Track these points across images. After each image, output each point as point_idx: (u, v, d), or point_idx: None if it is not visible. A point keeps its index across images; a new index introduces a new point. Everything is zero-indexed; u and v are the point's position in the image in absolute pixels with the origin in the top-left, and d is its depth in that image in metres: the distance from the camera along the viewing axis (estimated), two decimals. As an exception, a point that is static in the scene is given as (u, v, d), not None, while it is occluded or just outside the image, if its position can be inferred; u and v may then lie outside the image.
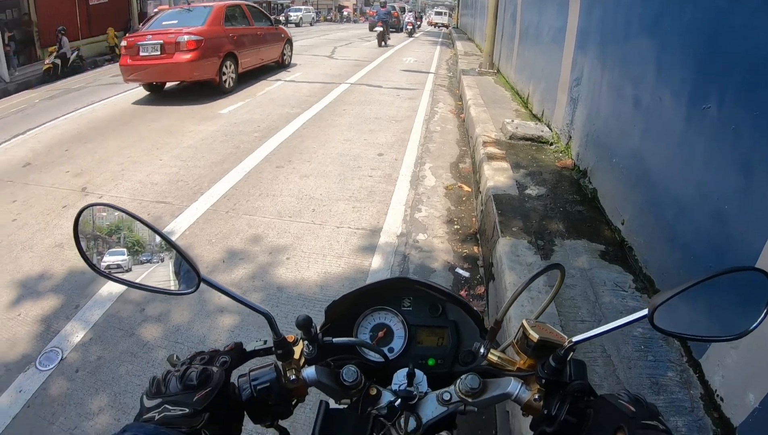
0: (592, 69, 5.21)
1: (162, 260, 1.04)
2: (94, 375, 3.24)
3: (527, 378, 0.95)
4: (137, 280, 1.02)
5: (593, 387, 0.90)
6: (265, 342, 1.03)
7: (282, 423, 1.03)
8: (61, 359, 3.39)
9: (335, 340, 1.02)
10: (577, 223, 4.23)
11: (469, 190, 5.79)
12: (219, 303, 3.78)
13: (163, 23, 11.36)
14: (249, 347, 1.04)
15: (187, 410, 0.86)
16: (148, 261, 1.06)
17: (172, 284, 1.03)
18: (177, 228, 4.90)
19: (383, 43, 22.27)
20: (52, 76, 16.68)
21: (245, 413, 0.97)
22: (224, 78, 11.19)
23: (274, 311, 3.52)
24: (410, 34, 30.50)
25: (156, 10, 26.21)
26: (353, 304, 1.17)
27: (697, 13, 3.20)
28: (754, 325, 0.85)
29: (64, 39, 17.87)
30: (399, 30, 32.29)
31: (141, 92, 11.65)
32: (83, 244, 1.01)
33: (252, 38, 12.51)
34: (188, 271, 0.99)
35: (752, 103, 2.48)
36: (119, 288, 4.07)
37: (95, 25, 22.09)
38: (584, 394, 0.88)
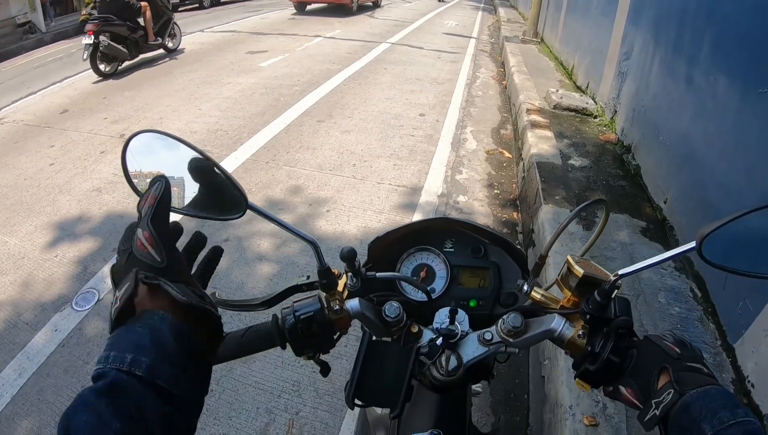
0: (644, 44, 5.06)
1: (209, 186, 1.02)
2: None
3: (571, 315, 0.93)
4: (186, 208, 0.98)
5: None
6: (308, 277, 1.01)
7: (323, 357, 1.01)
8: (98, 300, 3.43)
9: (378, 274, 0.98)
10: (619, 197, 4.16)
11: (510, 156, 5.70)
12: (258, 251, 3.78)
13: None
14: (292, 282, 1.02)
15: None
16: (195, 188, 1.04)
17: (218, 209, 1.00)
18: (216, 176, 4.89)
19: None
20: None
21: (287, 345, 0.95)
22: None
23: (312, 261, 3.51)
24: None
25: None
26: (396, 243, 1.15)
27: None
28: None
29: None
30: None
31: (183, 43, 11.61)
32: (131, 171, 1.00)
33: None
34: (235, 196, 0.96)
35: None
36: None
37: None
38: (628, 332, 0.87)
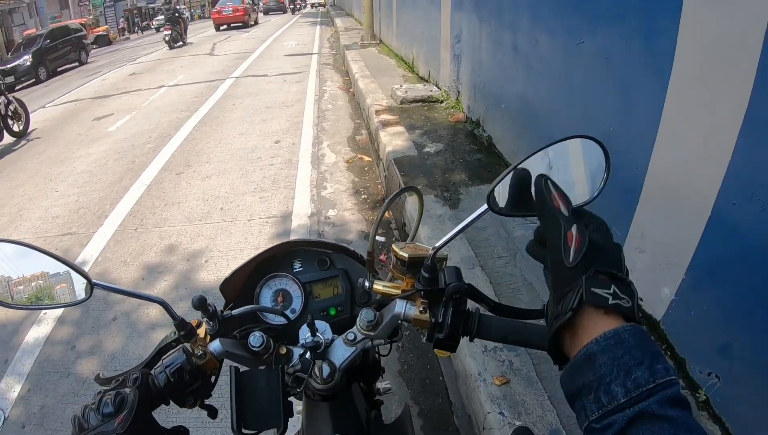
0: (470, 24, 5.41)
1: (64, 279, 1.09)
2: (41, 426, 3.16)
3: (411, 296, 1.01)
4: (41, 304, 1.04)
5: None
6: (174, 334, 1.06)
7: (208, 402, 1.07)
8: (5, 419, 3.28)
9: (234, 311, 1.06)
10: (478, 169, 4.44)
11: (370, 159, 5.92)
12: (148, 320, 3.77)
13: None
14: (162, 343, 1.08)
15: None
16: (42, 282, 1.10)
17: (68, 296, 1.04)
18: (89, 256, 4.79)
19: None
20: None
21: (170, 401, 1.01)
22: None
23: None
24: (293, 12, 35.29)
25: (25, 34, 25.08)
26: (247, 279, 1.22)
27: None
28: (597, 192, 0.91)
29: None
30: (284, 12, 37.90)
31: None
32: None
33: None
34: (80, 280, 1.01)
35: (621, 32, 2.70)
36: (43, 332, 3.95)
37: None
38: (462, 295, 0.91)
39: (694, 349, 2.26)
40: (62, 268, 1.02)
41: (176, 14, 23.52)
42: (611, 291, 0.63)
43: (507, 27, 4.43)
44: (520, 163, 0.86)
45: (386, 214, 4.62)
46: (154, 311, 3.88)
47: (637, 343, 0.58)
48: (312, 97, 9.05)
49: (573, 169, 0.94)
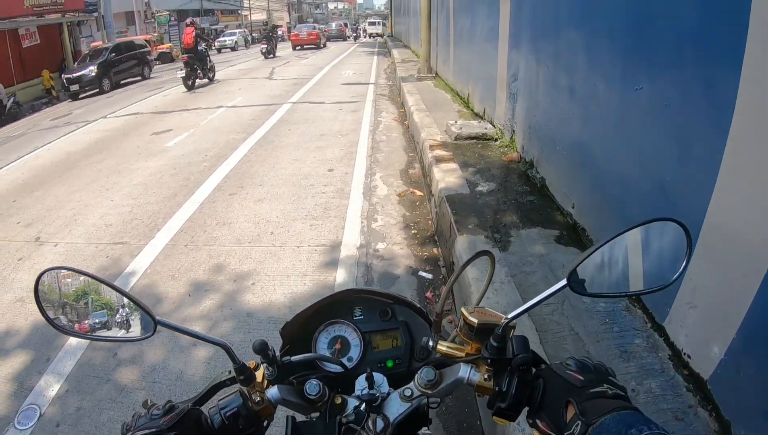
0: (527, 64, 5.40)
1: (127, 312, 1.09)
2: (75, 427, 3.19)
3: (476, 361, 1.00)
4: (101, 334, 1.06)
5: (546, 359, 0.97)
6: (230, 372, 1.06)
7: None
8: (40, 416, 3.33)
9: (293, 358, 1.06)
10: (530, 212, 4.38)
11: (422, 194, 5.91)
12: (190, 339, 3.77)
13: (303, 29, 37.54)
14: (216, 380, 1.08)
15: (154, 429, 0.89)
16: (106, 314, 1.10)
17: (133, 332, 1.06)
18: (138, 267, 4.86)
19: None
20: None
21: None
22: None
23: (247, 337, 3.56)
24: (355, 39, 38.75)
25: (92, 45, 26.02)
26: (307, 323, 1.21)
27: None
28: (676, 275, 0.92)
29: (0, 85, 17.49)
30: (344, 39, 40.89)
31: (84, 134, 11.51)
32: (48, 310, 1.04)
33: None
34: (144, 317, 1.03)
35: (681, 80, 2.65)
36: None
37: (29, 68, 21.81)
38: (529, 367, 0.91)
39: (741, 412, 2.16)
40: (125, 301, 1.04)
41: (271, 33, 29.70)
42: None
43: (564, 69, 4.40)
44: (604, 244, 0.90)
45: (435, 252, 4.60)
46: (197, 327, 3.84)
47: (630, 415, 0.72)
48: (367, 128, 9.10)
49: (654, 250, 0.95)
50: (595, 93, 3.77)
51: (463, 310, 1.02)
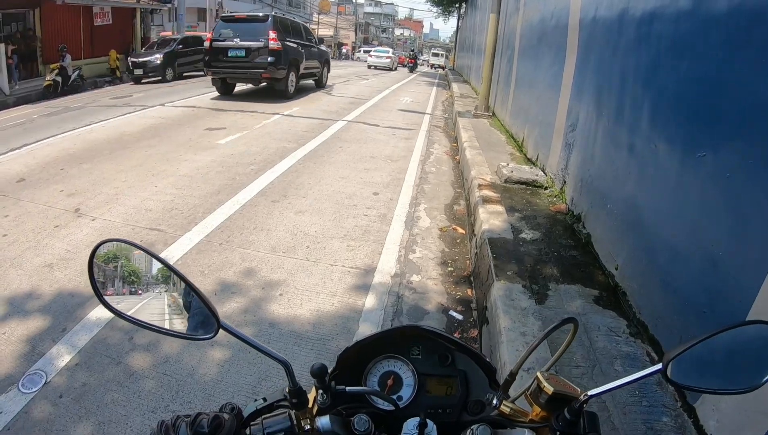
0: (587, 115, 5.29)
1: (177, 303, 1.04)
2: (78, 402, 3.18)
3: (539, 430, 0.95)
4: (153, 323, 1.01)
5: None
6: (264, 399, 1.03)
7: None
8: (45, 383, 3.34)
9: (348, 389, 1.01)
10: (571, 267, 4.25)
11: (464, 232, 5.80)
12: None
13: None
14: (258, 401, 1.03)
15: None
16: (164, 303, 1.06)
17: (188, 328, 1.02)
18: (169, 257, 4.83)
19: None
20: (52, 92, 16.95)
21: None
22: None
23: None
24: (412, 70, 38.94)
25: (161, 34, 26.77)
26: (363, 351, 1.16)
27: (694, 65, 3.29)
28: (766, 378, 0.87)
29: (68, 57, 18.15)
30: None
31: (140, 117, 11.72)
32: (97, 280, 1.02)
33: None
34: (207, 315, 0.98)
35: (746, 151, 2.54)
36: (108, 314, 4.00)
37: (98, 46, 22.50)
38: None
39: None
40: (189, 295, 1.00)
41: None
42: None
43: (625, 126, 4.27)
44: (703, 339, 0.85)
45: (468, 293, 4.49)
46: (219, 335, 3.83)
47: None
48: (417, 157, 9.02)
49: (747, 350, 0.92)
50: (654, 154, 3.65)
51: (539, 374, 0.99)
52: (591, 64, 5.47)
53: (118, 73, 22.38)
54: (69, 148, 9.23)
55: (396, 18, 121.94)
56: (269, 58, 14.33)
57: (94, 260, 1.02)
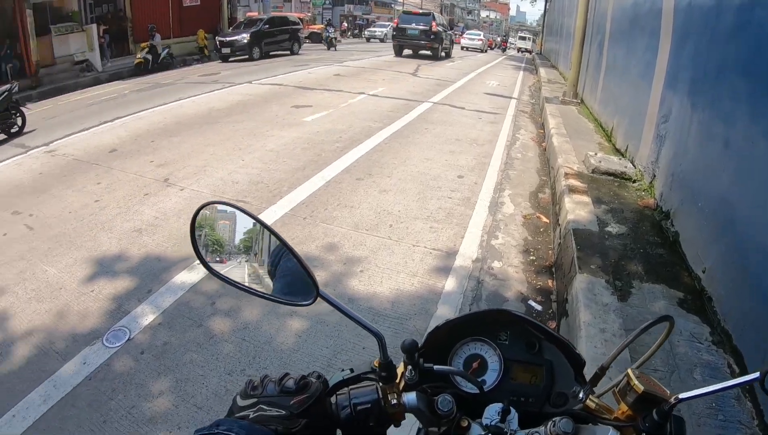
0: (681, 106, 5.03)
1: (279, 269, 1.05)
2: (159, 359, 3.33)
3: (624, 429, 0.92)
4: (252, 286, 1.04)
5: None
6: (351, 371, 1.02)
7: None
8: (128, 339, 3.52)
9: (436, 367, 0.99)
10: (657, 266, 4.07)
11: (548, 221, 5.67)
12: (289, 308, 3.76)
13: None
14: (345, 371, 1.03)
15: (283, 412, 0.86)
16: (259, 266, 1.08)
17: (285, 293, 1.03)
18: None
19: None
20: (142, 69, 17.77)
21: (339, 431, 0.96)
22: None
23: (342, 324, 3.58)
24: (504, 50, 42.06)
25: (247, 15, 27.42)
26: (450, 331, 1.14)
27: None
28: None
29: (158, 36, 18.95)
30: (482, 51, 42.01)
31: (228, 94, 12.01)
32: (198, 242, 1.05)
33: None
34: (306, 283, 0.99)
35: None
36: (191, 279, 4.19)
37: (186, 25, 23.27)
38: None
39: None
40: (291, 260, 1.00)
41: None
42: None
43: (722, 119, 4.01)
44: None
45: (549, 283, 4.39)
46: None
47: None
48: (503, 142, 8.86)
49: None
50: (752, 150, 3.41)
51: (630, 371, 0.94)
52: (686, 52, 5.19)
53: (206, 51, 23.11)
54: (159, 121, 9.58)
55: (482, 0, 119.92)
56: (431, 36, 24.63)
57: (196, 225, 1.05)
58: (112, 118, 9.97)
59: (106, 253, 4.68)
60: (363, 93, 12.98)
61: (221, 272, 1.05)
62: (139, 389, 3.08)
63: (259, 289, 1.03)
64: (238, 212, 1.06)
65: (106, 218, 5.34)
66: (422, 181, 6.50)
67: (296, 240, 4.78)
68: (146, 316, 3.76)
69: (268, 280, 1.05)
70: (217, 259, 1.07)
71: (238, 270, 1.07)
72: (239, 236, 1.08)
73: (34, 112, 11.78)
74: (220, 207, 1.09)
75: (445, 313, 3.77)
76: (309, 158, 7.26)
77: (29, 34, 15.88)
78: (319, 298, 0.99)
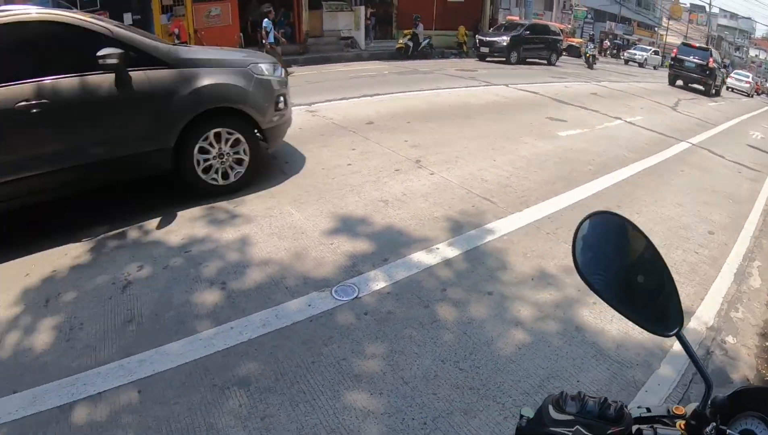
0: None
1: (646, 291, 1.14)
2: (379, 324, 3.54)
3: None
4: (620, 305, 1.11)
5: None
6: (648, 410, 1.05)
7: None
8: (356, 297, 3.79)
9: (728, 431, 0.98)
10: None
11: (799, 305, 5.20)
12: (517, 316, 3.86)
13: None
14: (642, 409, 1.06)
15: None
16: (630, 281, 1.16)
17: (646, 316, 1.11)
18: (497, 228, 5.15)
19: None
20: (402, 54, 18.89)
21: None
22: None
23: (563, 350, 3.57)
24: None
25: (508, 18, 27.78)
26: (739, 398, 1.11)
27: None
28: None
29: (420, 25, 20.03)
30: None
31: (484, 92, 12.38)
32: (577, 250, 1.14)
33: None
34: (670, 312, 1.07)
35: None
36: (430, 260, 4.41)
37: (448, 20, 24.44)
38: None
39: None
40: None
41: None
42: None
43: None
44: None
45: None
46: (526, 311, 3.96)
47: None
48: (762, 205, 8.12)
49: None
50: None
51: None
52: None
53: (464, 48, 23.88)
54: (416, 105, 10.04)
55: (752, 36, 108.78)
56: (707, 72, 24.76)
57: (579, 232, 1.15)
58: (372, 94, 10.61)
59: (351, 213, 5.05)
60: (620, 118, 12.58)
61: (590, 280, 1.13)
62: (354, 345, 3.31)
63: (618, 303, 1.10)
64: (617, 221, 1.18)
65: (356, 182, 5.75)
66: (670, 227, 6.22)
67: (536, 252, 4.85)
68: (377, 281, 4.02)
69: (630, 295, 1.12)
70: (594, 269, 1.15)
71: (606, 279, 1.14)
72: (617, 247, 1.19)
73: (298, 75, 12.90)
74: (602, 216, 1.20)
75: (666, 372, 3.62)
76: (559, 174, 7.23)
77: (303, 6, 17.73)
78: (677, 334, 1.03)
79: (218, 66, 5.27)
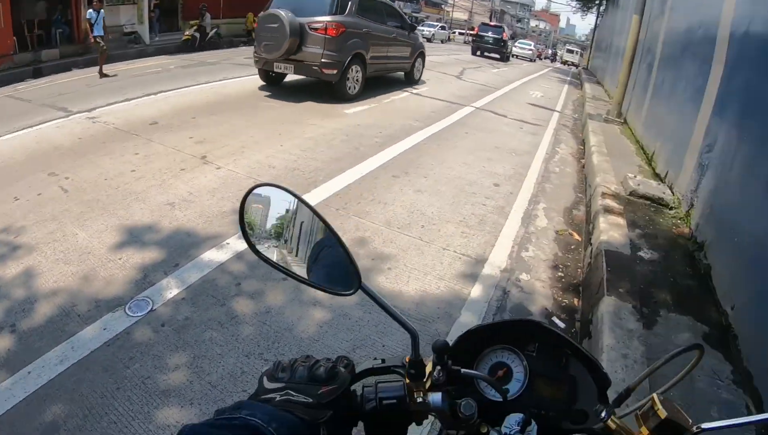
0: (728, 138, 4.92)
1: (323, 256, 1.06)
2: (178, 333, 3.36)
3: None
4: (293, 270, 1.05)
5: None
6: (383, 361, 1.03)
7: None
8: (151, 310, 3.56)
9: (463, 370, 0.99)
10: (685, 297, 4.01)
11: (579, 238, 5.61)
12: (315, 296, 3.81)
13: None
14: (377, 361, 1.04)
15: (311, 400, 0.87)
16: (303, 251, 1.08)
17: (329, 281, 1.04)
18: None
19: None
20: (189, 46, 18.12)
21: (360, 423, 0.97)
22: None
23: (365, 319, 3.59)
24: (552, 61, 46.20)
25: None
26: (480, 336, 1.13)
27: None
28: None
29: (208, 15, 19.22)
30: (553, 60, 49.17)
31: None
32: (246, 223, 1.07)
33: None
34: (348, 272, 1.00)
35: None
36: (220, 258, 4.23)
37: (236, 7, 23.47)
38: None
39: None
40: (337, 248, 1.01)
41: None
42: None
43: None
44: None
45: (575, 302, 4.35)
46: (322, 293, 3.83)
47: None
48: (542, 155, 8.76)
49: None
50: None
51: (655, 395, 0.95)
52: (738, 83, 5.08)
53: (253, 34, 23.28)
54: (202, 99, 9.71)
55: (532, 9, 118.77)
56: (501, 43, 32.78)
57: (246, 204, 1.07)
58: (156, 92, 10.12)
59: (137, 222, 4.75)
60: (407, 91, 13.01)
61: (266, 254, 1.06)
62: (155, 361, 3.12)
63: (300, 274, 1.04)
64: (285, 196, 1.07)
65: (141, 189, 5.41)
66: (458, 186, 6.47)
67: (328, 230, 4.77)
68: (171, 289, 3.81)
69: (310, 266, 1.06)
70: (263, 241, 1.08)
71: (282, 253, 1.08)
72: (285, 220, 1.09)
73: (79, 78, 12.00)
74: (268, 189, 1.10)
75: (468, 319, 3.75)
76: (347, 151, 7.28)
77: (81, 2, 16.15)
78: (360, 290, 0.99)
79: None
